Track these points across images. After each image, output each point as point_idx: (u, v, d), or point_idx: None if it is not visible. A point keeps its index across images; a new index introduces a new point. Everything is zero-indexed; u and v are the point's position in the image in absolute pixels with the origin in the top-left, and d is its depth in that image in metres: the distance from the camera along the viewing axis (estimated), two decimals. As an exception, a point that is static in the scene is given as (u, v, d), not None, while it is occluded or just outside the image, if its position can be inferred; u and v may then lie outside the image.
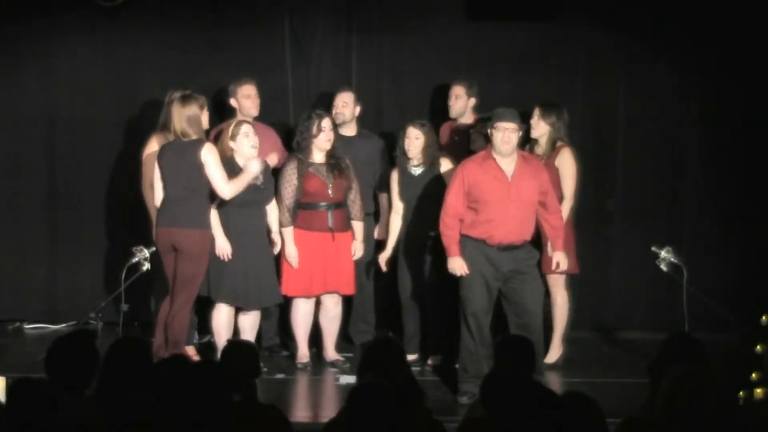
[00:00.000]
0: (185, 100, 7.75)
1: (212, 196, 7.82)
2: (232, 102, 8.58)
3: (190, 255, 7.68)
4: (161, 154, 7.79)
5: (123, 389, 4.87)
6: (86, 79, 9.37)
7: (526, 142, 8.26)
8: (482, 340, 7.49)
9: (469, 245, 7.50)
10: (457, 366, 7.78)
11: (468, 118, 8.73)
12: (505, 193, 7.46)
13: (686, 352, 5.29)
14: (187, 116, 7.69)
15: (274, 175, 8.32)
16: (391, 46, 9.33)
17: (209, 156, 7.66)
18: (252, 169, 7.82)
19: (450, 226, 7.54)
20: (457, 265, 7.49)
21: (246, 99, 8.54)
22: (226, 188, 7.73)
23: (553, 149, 8.24)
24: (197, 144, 7.66)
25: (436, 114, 8.93)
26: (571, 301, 8.37)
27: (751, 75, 9.02)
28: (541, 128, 8.27)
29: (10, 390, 4.59)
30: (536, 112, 8.26)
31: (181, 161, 7.67)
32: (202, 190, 7.71)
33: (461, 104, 8.72)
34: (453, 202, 7.53)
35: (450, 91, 8.74)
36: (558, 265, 7.66)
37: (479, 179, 7.48)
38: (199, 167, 7.64)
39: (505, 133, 7.40)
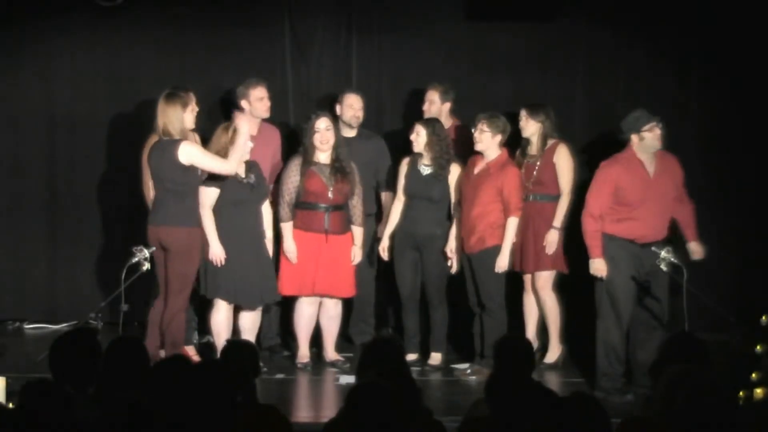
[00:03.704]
0: (169, 98, 7.70)
1: (201, 192, 7.81)
2: (243, 104, 8.54)
3: (178, 253, 7.68)
4: (149, 154, 7.80)
5: (122, 389, 4.87)
6: (86, 79, 9.38)
7: (518, 143, 8.31)
8: (625, 334, 7.74)
9: (616, 243, 7.66)
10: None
11: (445, 123, 8.66)
12: (647, 192, 7.63)
13: (686, 352, 5.29)
14: (169, 115, 7.67)
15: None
16: (391, 47, 9.32)
17: (191, 153, 7.62)
18: (242, 130, 7.80)
19: (597, 228, 7.66)
20: (601, 267, 7.65)
21: (259, 101, 8.52)
22: (227, 165, 7.72)
23: (545, 146, 8.26)
24: (174, 144, 7.62)
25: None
26: (561, 300, 8.37)
27: (751, 75, 9.01)
28: (531, 127, 8.29)
29: (24, 391, 4.58)
30: (523, 113, 8.29)
31: (163, 161, 7.66)
32: (186, 189, 7.69)
33: (435, 109, 8.69)
34: (598, 203, 7.66)
35: (425, 95, 8.73)
36: (696, 253, 7.93)
37: (625, 180, 7.63)
38: (180, 167, 7.62)
39: (655, 132, 7.66)
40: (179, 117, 7.68)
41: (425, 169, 8.30)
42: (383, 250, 8.45)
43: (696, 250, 7.90)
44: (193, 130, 8.27)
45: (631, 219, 7.66)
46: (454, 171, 8.27)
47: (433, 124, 8.30)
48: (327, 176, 8.21)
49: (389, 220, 8.46)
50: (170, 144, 7.63)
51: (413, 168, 8.33)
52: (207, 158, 7.70)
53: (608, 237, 7.70)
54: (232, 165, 7.75)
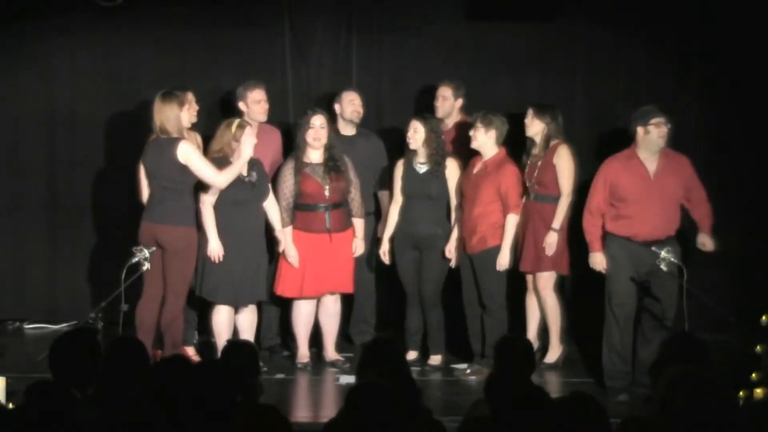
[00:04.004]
0: (165, 97, 7.74)
1: (202, 188, 7.83)
2: (241, 105, 8.53)
3: (176, 252, 7.70)
4: (144, 152, 7.82)
5: (122, 389, 4.87)
6: (86, 79, 9.38)
7: (523, 142, 8.32)
8: (627, 333, 7.74)
9: (615, 242, 7.70)
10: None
11: (454, 119, 8.71)
12: (646, 190, 7.65)
13: (686, 352, 5.29)
14: (167, 113, 7.69)
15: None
16: (391, 46, 9.33)
17: (189, 154, 7.66)
18: (244, 153, 7.80)
19: (593, 223, 7.78)
20: (598, 260, 7.76)
21: (256, 104, 8.50)
22: (219, 178, 7.74)
23: (547, 147, 8.26)
24: (173, 143, 7.65)
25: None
26: (562, 301, 8.37)
27: (751, 75, 9.01)
28: (535, 127, 8.28)
29: (28, 392, 4.58)
30: (530, 111, 8.28)
31: (161, 159, 7.69)
32: (184, 188, 7.72)
33: (448, 105, 8.72)
34: (595, 198, 7.77)
35: (437, 92, 8.74)
36: (704, 245, 7.86)
37: (621, 178, 7.68)
38: (178, 166, 7.65)
39: (661, 129, 7.67)
40: (176, 115, 7.71)
41: (421, 167, 8.29)
42: (383, 253, 8.44)
43: (705, 242, 7.87)
44: (195, 130, 8.31)
45: (628, 217, 7.70)
46: (451, 166, 8.27)
47: (430, 120, 8.30)
48: (321, 176, 8.19)
49: (387, 222, 8.45)
50: (169, 142, 7.65)
51: (409, 167, 8.32)
52: (201, 164, 7.70)
53: (608, 235, 7.75)
54: (224, 179, 7.75)
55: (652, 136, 7.67)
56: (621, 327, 7.71)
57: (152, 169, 7.75)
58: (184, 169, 7.66)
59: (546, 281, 8.32)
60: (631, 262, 7.68)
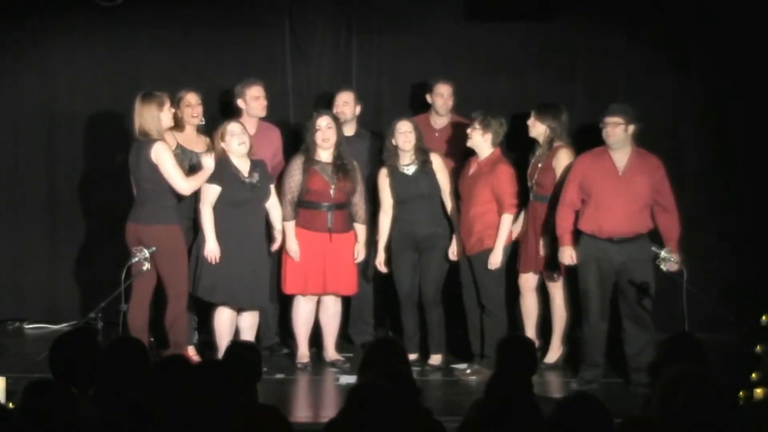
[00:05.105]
0: (144, 98, 7.79)
1: (201, 190, 7.88)
2: (239, 103, 8.55)
3: (163, 252, 7.72)
4: (130, 154, 7.86)
5: (122, 389, 4.87)
6: (86, 79, 9.38)
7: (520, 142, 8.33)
8: (598, 328, 7.81)
9: (583, 238, 7.77)
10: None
11: (450, 117, 8.73)
12: (614, 187, 7.67)
13: (686, 352, 5.29)
14: (145, 115, 7.73)
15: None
16: (391, 46, 9.33)
17: (160, 156, 7.69)
18: (206, 164, 7.84)
19: (563, 217, 7.83)
20: (567, 254, 7.82)
21: (255, 100, 8.53)
22: (184, 185, 7.77)
23: (550, 149, 8.25)
24: (149, 144, 7.70)
25: (436, 114, 8.93)
26: (570, 302, 8.37)
27: (751, 75, 9.01)
28: (537, 128, 8.28)
29: (25, 391, 4.58)
30: (532, 113, 8.29)
31: (139, 160, 7.74)
32: (162, 188, 7.74)
33: (451, 103, 8.75)
34: (566, 191, 7.84)
35: (439, 90, 8.71)
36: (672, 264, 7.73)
37: (590, 172, 7.73)
38: (152, 167, 7.69)
39: (607, 128, 7.73)
40: (155, 116, 7.75)
41: (409, 168, 8.28)
42: (380, 263, 8.43)
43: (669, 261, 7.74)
44: (203, 133, 8.33)
45: (593, 211, 7.74)
46: (435, 161, 8.29)
47: (415, 122, 8.32)
48: (329, 175, 8.20)
49: (380, 233, 8.44)
50: (146, 144, 7.71)
51: (395, 172, 8.30)
52: (170, 168, 7.72)
53: (579, 232, 7.81)
54: (188, 188, 7.78)
55: (603, 132, 7.76)
56: (590, 321, 7.78)
57: (134, 172, 7.83)
58: (158, 170, 7.69)
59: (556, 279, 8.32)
60: (596, 260, 7.70)
